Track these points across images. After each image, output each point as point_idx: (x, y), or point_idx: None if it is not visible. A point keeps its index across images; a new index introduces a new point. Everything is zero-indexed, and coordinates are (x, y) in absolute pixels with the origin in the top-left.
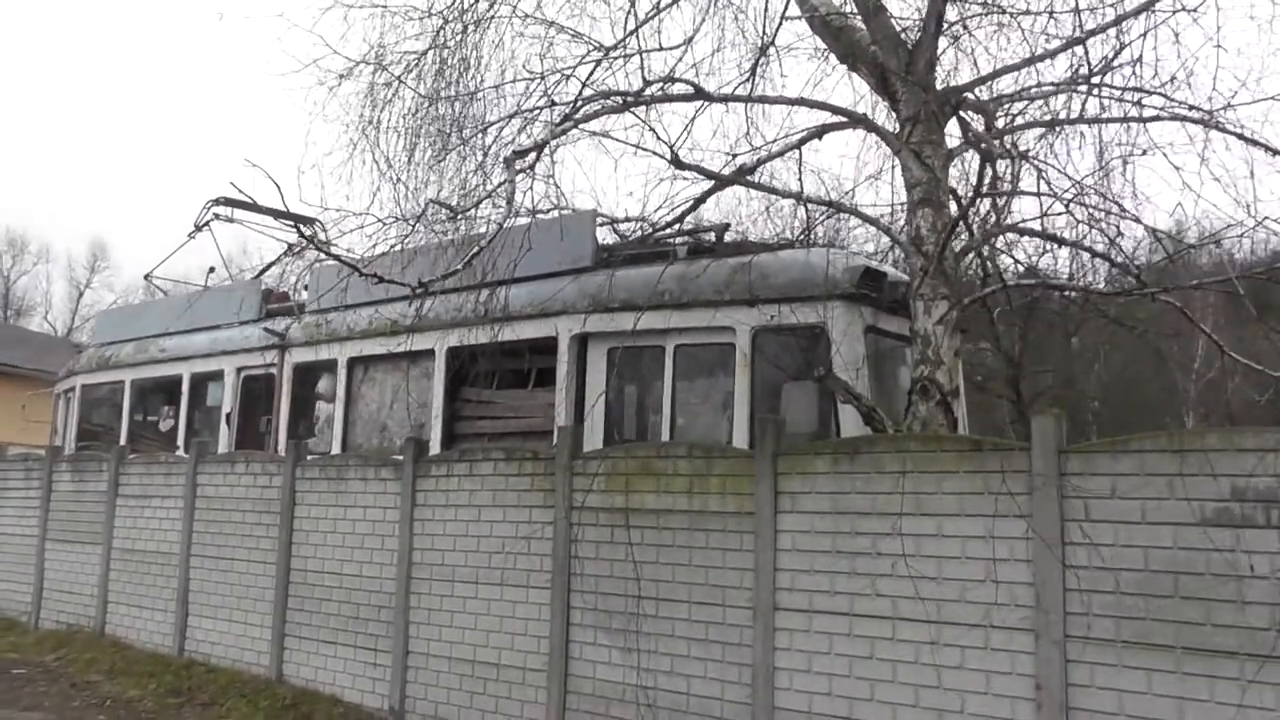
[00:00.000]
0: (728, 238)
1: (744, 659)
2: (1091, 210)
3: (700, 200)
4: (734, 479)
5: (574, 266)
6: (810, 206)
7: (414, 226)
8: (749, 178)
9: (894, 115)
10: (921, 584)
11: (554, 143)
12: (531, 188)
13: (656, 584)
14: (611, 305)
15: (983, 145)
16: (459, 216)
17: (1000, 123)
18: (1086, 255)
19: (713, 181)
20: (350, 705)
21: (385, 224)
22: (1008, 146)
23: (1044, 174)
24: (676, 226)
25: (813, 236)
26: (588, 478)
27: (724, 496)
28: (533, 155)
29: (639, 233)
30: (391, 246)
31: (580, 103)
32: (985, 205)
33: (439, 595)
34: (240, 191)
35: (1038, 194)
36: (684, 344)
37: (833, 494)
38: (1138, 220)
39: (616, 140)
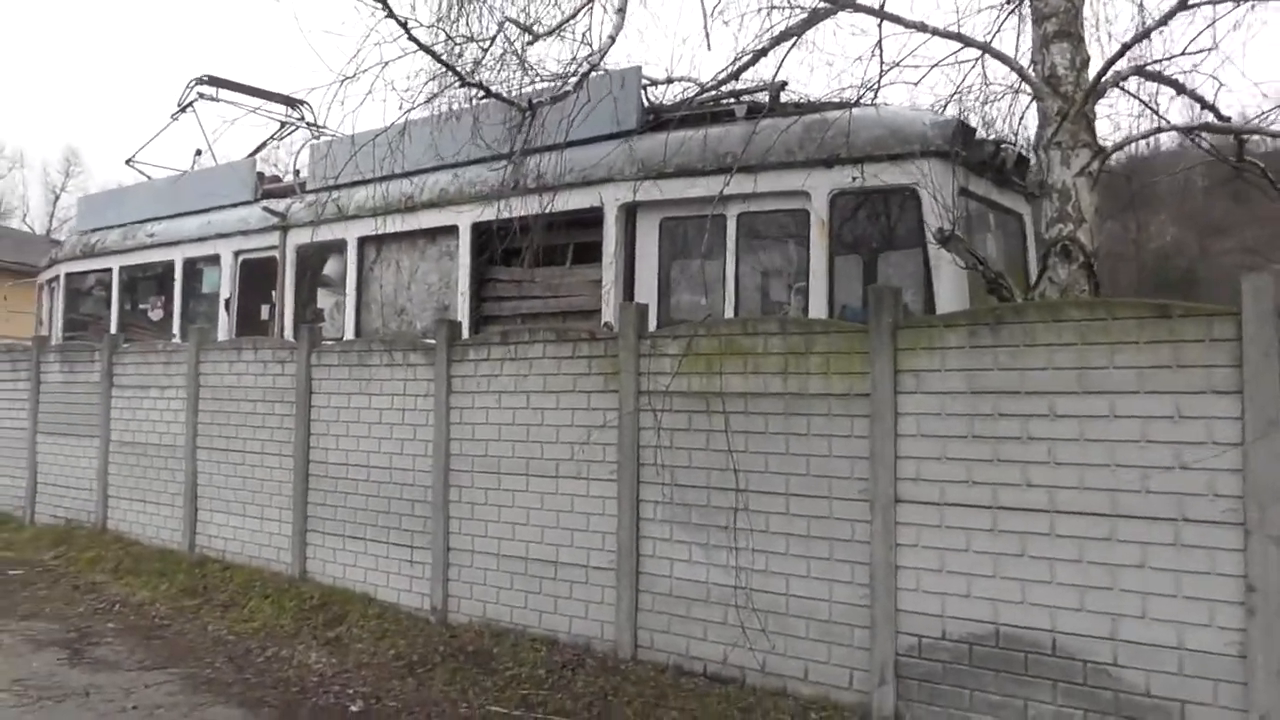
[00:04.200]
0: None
1: (857, 556)
2: None
3: (782, 38)
4: (840, 357)
5: (619, 130)
6: (914, 41)
7: (487, 49)
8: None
9: None
10: (1088, 472)
11: None
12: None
13: (746, 475)
14: (665, 171)
15: None
16: (541, 39)
17: None
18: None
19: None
20: (386, 604)
21: (456, 42)
22: None
23: None
24: (731, 85)
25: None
26: (659, 359)
27: (828, 377)
28: None
29: (684, 94)
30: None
31: None
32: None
33: (483, 488)
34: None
35: None
36: (749, 211)
37: (968, 371)
38: None
39: None
